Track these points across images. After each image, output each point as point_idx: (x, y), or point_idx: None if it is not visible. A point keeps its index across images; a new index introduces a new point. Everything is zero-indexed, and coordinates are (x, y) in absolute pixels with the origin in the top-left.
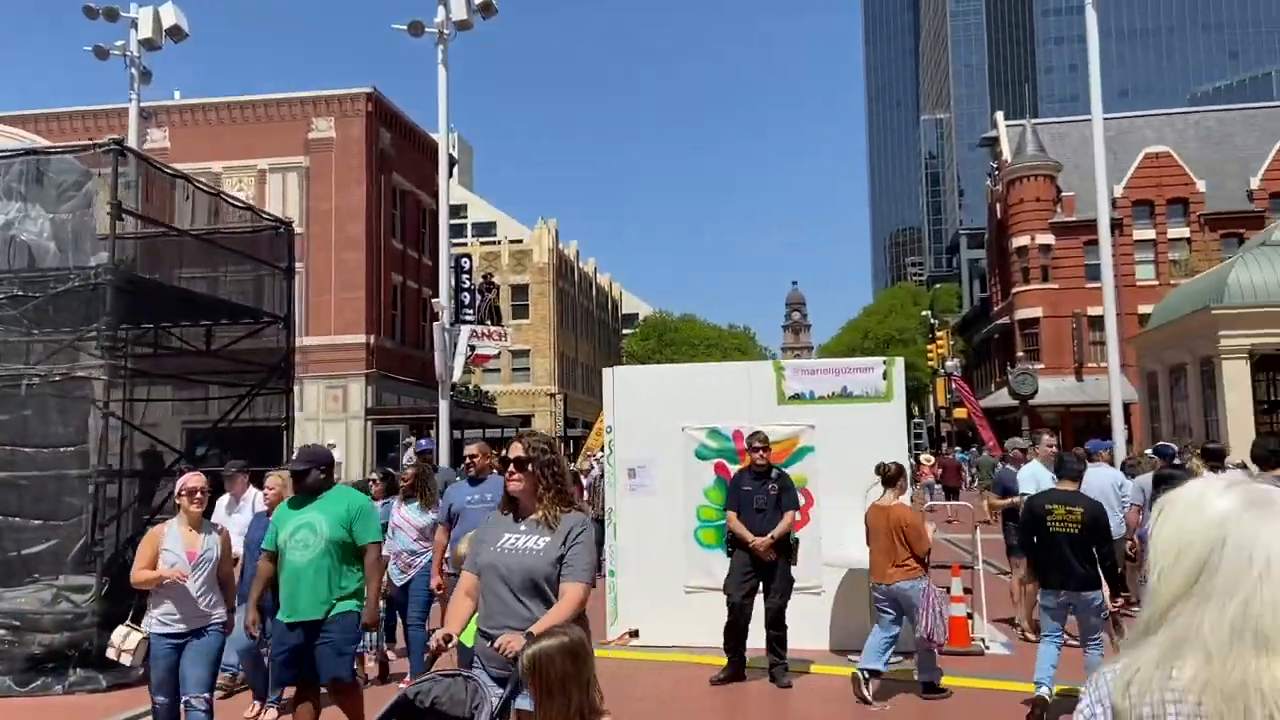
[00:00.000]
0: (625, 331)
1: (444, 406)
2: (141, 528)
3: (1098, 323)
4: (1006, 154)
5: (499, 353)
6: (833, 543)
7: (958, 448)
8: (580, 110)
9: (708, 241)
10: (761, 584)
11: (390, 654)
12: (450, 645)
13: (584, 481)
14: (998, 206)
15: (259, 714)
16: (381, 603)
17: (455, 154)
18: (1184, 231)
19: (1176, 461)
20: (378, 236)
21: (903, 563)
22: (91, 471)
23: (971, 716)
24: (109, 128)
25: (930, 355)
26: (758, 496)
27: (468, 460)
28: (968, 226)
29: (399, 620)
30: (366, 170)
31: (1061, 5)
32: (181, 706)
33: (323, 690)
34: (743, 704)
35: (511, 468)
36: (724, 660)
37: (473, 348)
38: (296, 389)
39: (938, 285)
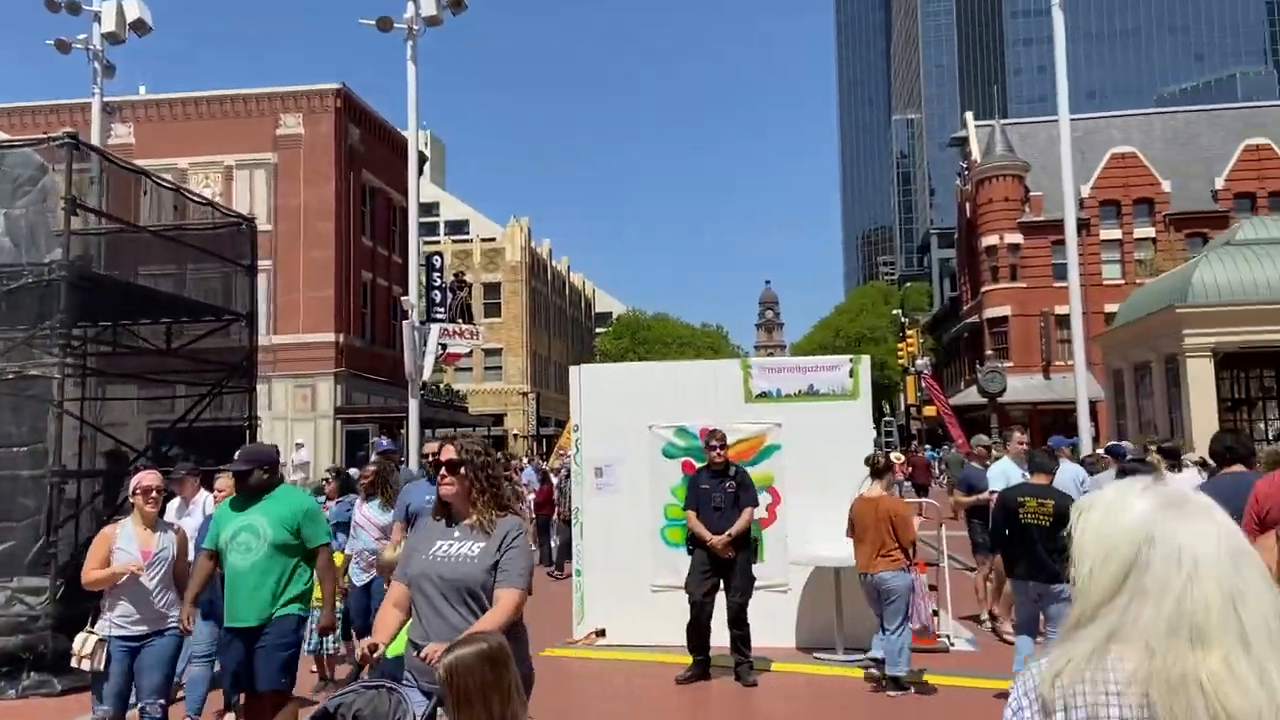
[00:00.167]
0: (599, 330)
1: (414, 406)
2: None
3: (1065, 321)
4: (976, 154)
5: (471, 351)
6: (799, 540)
7: (928, 445)
8: (549, 109)
9: (685, 242)
10: (722, 582)
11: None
12: (376, 656)
13: (554, 481)
14: (967, 206)
15: None
16: (340, 604)
17: (427, 151)
18: (1150, 231)
19: (1141, 458)
20: (347, 234)
21: (888, 553)
22: (46, 472)
23: (939, 713)
24: (72, 123)
25: (901, 353)
26: (716, 495)
27: (428, 458)
28: (938, 226)
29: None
30: (336, 167)
31: (1030, 7)
32: (136, 713)
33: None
34: (707, 703)
35: (444, 471)
36: (690, 659)
37: (444, 346)
38: (265, 388)
39: (909, 284)
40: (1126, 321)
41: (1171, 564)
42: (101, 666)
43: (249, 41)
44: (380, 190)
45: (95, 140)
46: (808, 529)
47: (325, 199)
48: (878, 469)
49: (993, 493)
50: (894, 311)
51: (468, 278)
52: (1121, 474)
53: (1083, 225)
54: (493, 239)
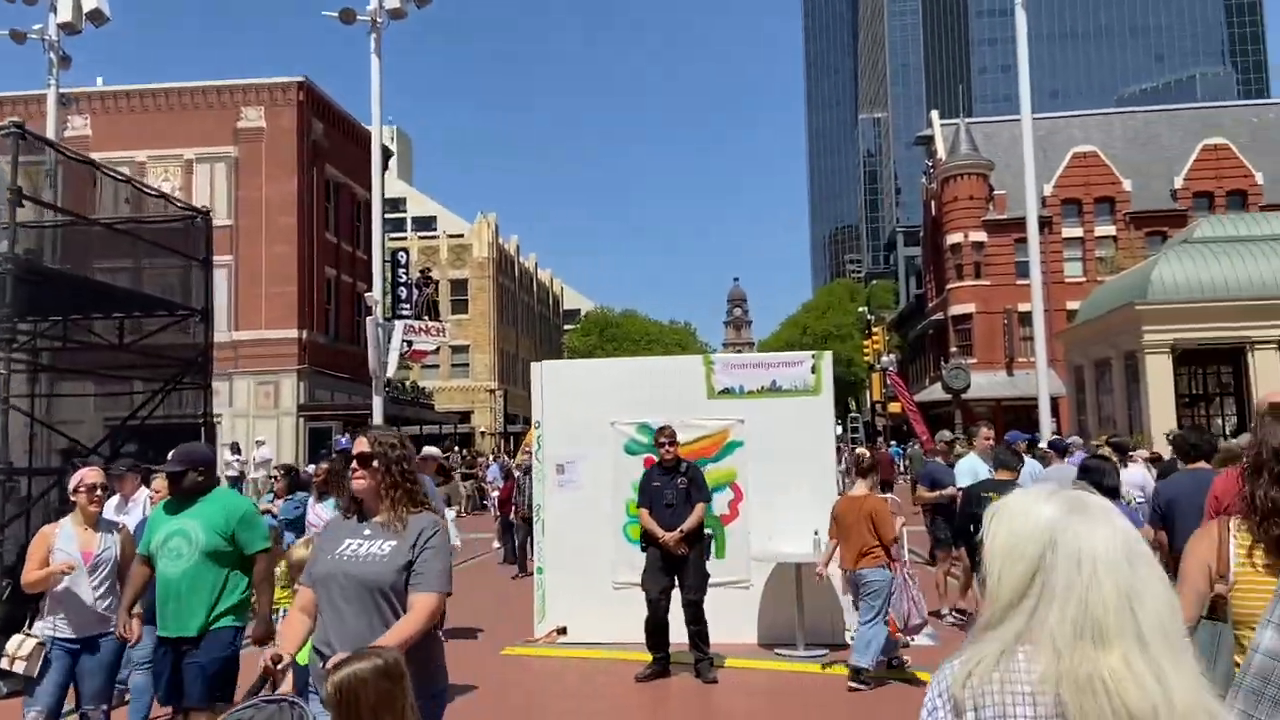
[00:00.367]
0: (567, 327)
1: (378, 403)
2: None
3: (1028, 318)
4: (941, 153)
5: (437, 348)
6: (761, 536)
7: (893, 442)
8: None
9: (654, 240)
10: (677, 580)
11: None
12: (280, 667)
13: (516, 475)
14: (933, 204)
15: None
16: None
17: (393, 146)
18: (1110, 229)
19: (1101, 453)
20: (310, 229)
21: (869, 550)
22: None
23: (895, 706)
24: (26, 114)
25: (867, 351)
26: (667, 491)
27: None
28: (904, 224)
29: None
30: (298, 161)
31: (995, 7)
32: (77, 718)
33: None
34: (666, 700)
35: (355, 464)
36: (650, 657)
37: (409, 343)
38: (226, 384)
39: (875, 282)
40: (1087, 319)
41: (1073, 566)
42: (35, 673)
43: (213, 33)
44: (344, 185)
45: (50, 133)
46: (770, 525)
47: (287, 193)
48: (864, 468)
49: (958, 489)
50: (860, 309)
51: (434, 274)
52: (1082, 470)
53: (1045, 223)
54: (460, 235)
